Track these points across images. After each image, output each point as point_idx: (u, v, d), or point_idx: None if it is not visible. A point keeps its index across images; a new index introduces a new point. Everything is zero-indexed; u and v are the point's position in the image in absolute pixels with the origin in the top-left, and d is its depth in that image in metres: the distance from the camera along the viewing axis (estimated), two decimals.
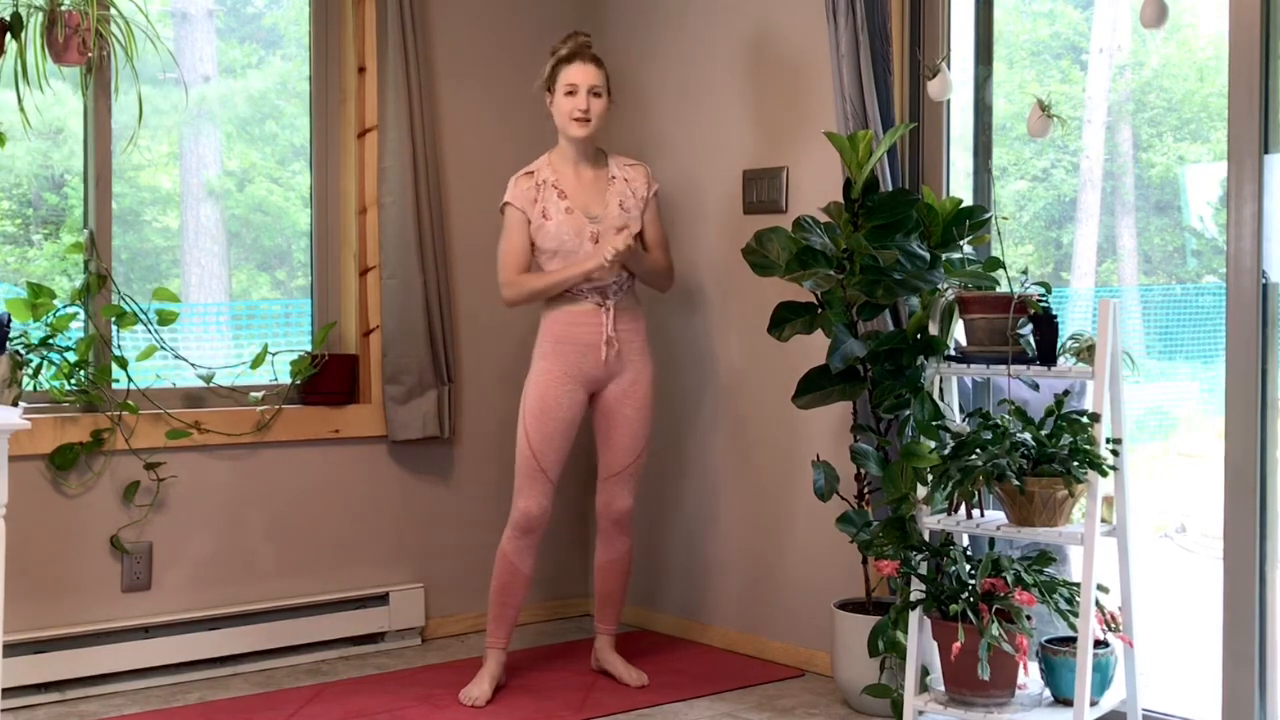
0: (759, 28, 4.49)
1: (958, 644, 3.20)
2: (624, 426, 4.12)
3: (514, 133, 4.84)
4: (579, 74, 4.02)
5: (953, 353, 3.60)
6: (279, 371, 4.47)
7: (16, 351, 3.85)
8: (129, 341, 4.18)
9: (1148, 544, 5.19)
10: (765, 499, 4.51)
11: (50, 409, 4.04)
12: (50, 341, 4.01)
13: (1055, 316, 3.35)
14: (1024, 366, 3.37)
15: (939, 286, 3.63)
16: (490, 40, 4.87)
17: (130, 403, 4.12)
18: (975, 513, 3.43)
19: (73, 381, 4.07)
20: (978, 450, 3.30)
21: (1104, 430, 3.26)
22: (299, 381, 4.49)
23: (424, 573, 4.72)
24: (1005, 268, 3.47)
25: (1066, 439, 3.25)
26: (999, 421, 3.34)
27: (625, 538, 4.21)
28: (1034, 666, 3.41)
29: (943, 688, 3.44)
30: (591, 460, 4.39)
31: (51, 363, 4.02)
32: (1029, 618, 3.29)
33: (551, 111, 4.08)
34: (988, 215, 3.74)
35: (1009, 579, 3.27)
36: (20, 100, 3.67)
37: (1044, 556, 3.40)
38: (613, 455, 4.15)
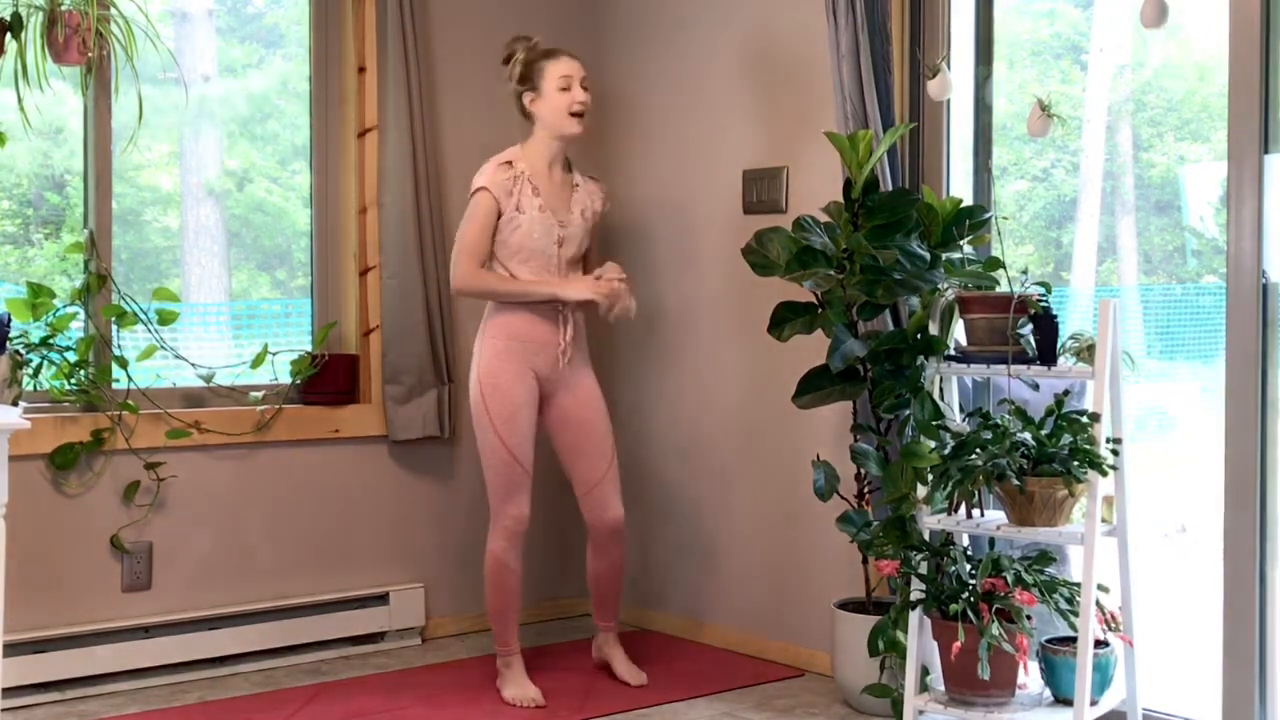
0: (759, 27, 4.49)
1: (958, 644, 3.20)
2: (592, 433, 4.07)
3: (514, 133, 4.83)
4: (571, 66, 3.98)
5: (953, 352, 3.60)
6: (279, 371, 4.47)
7: (17, 351, 3.85)
8: (129, 341, 4.18)
9: (1148, 544, 5.19)
10: (765, 499, 4.51)
11: (50, 409, 4.04)
12: (50, 341, 4.02)
13: (1055, 316, 3.35)
14: (1024, 366, 3.37)
15: (939, 286, 3.63)
16: (490, 40, 4.86)
17: (130, 402, 4.12)
18: (975, 513, 3.43)
19: (73, 381, 4.07)
20: (978, 450, 3.30)
21: (1104, 430, 3.26)
22: (299, 381, 4.49)
23: (424, 573, 4.72)
24: (1005, 267, 3.47)
25: (1066, 439, 3.25)
26: (999, 421, 3.34)
27: (620, 544, 4.17)
28: (1034, 666, 3.41)
29: (943, 687, 3.44)
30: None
31: (51, 362, 4.02)
32: (1029, 617, 3.28)
33: (533, 110, 4.00)
34: (988, 215, 3.74)
35: (1009, 579, 3.27)
36: (20, 100, 3.67)
37: (1044, 556, 3.40)
38: (588, 464, 4.09)
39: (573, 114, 3.98)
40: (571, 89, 3.97)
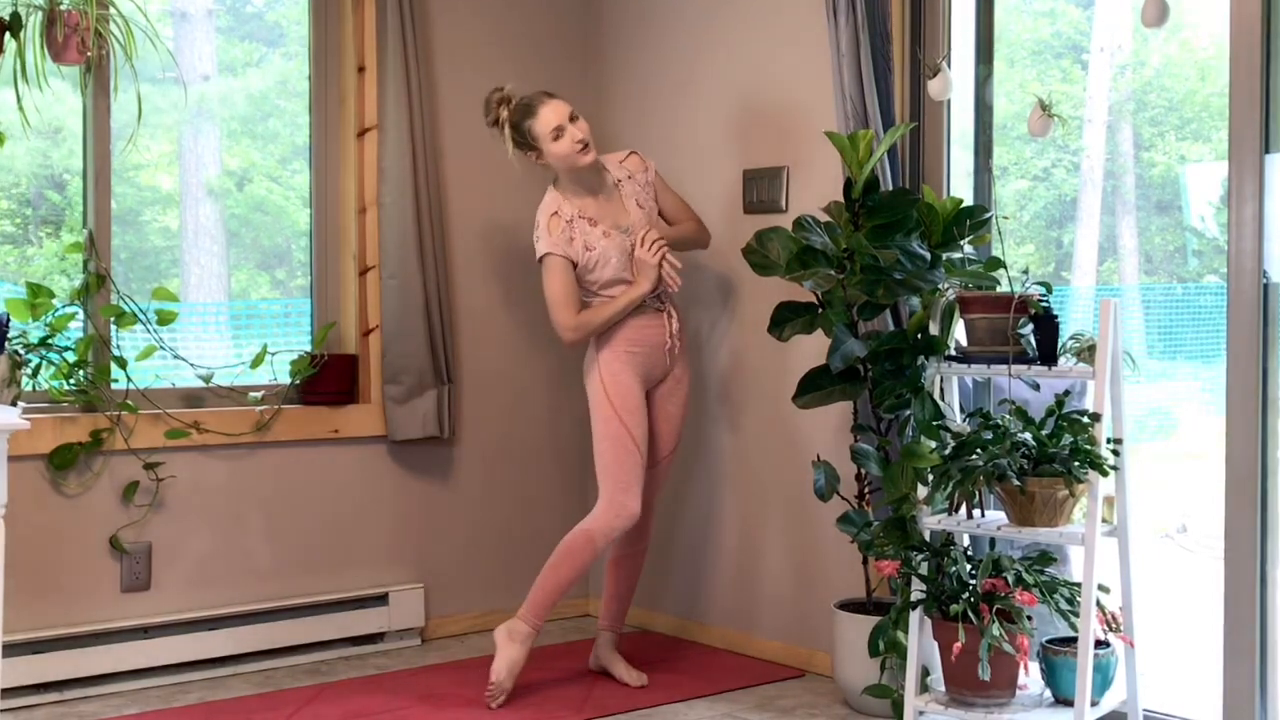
0: (759, 27, 4.49)
1: (958, 644, 3.20)
2: (668, 420, 4.18)
3: None
4: (552, 114, 3.98)
5: (953, 353, 3.59)
6: (278, 371, 4.46)
7: (16, 351, 3.85)
8: (128, 341, 4.18)
9: (1148, 544, 5.19)
10: (765, 499, 4.51)
11: (49, 409, 4.04)
12: (49, 341, 4.01)
13: (1056, 316, 3.34)
14: (1024, 366, 3.36)
15: (939, 286, 3.63)
16: (490, 40, 4.87)
17: (129, 403, 4.12)
18: (976, 513, 3.43)
19: (72, 381, 4.06)
20: (978, 450, 3.30)
21: (1104, 430, 3.26)
22: (298, 381, 4.49)
23: (424, 573, 4.72)
24: (1006, 267, 3.47)
25: (1067, 439, 3.24)
26: (999, 421, 3.34)
27: (646, 532, 4.23)
28: (1034, 667, 3.41)
29: (943, 688, 3.44)
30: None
31: (51, 363, 4.02)
32: (1029, 618, 3.28)
33: (543, 165, 4.06)
34: (988, 215, 3.74)
35: (1009, 579, 3.27)
36: (20, 100, 3.67)
37: (1044, 556, 3.40)
38: (654, 446, 4.16)
39: (579, 151, 3.99)
40: (564, 134, 3.97)
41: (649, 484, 4.17)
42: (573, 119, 3.99)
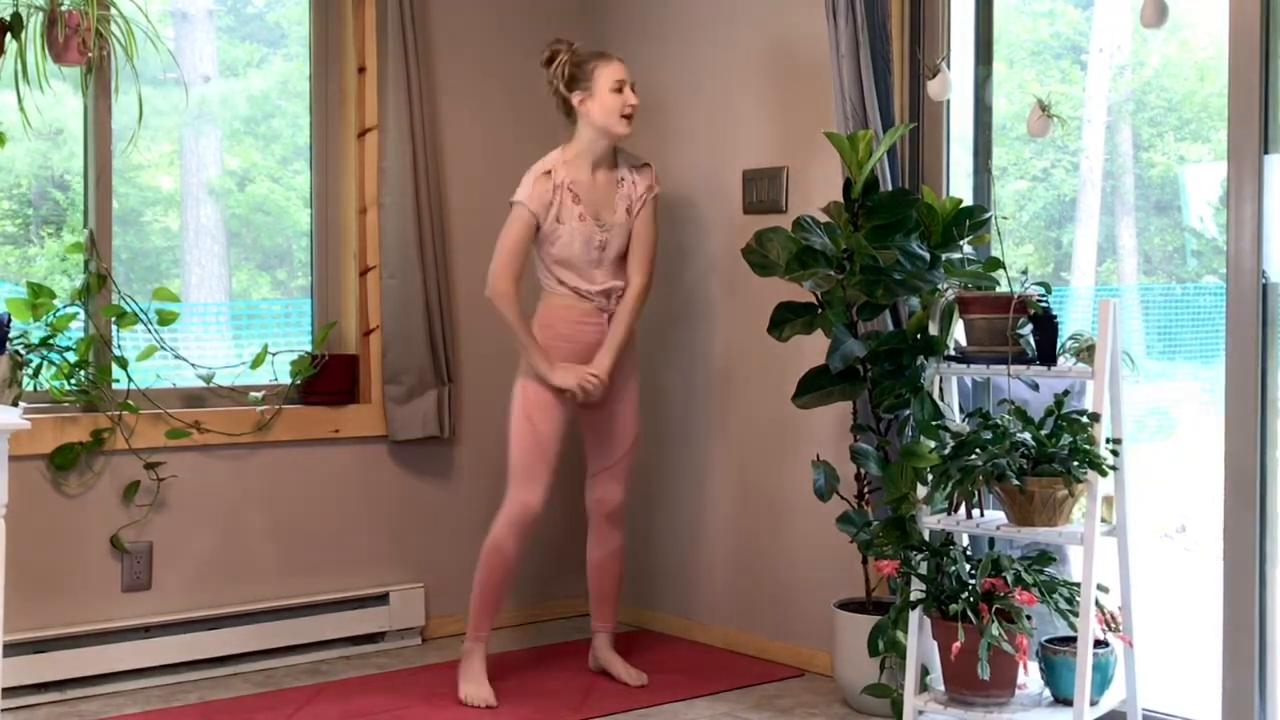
0: (759, 27, 4.49)
1: (958, 644, 3.20)
2: (618, 421, 4.15)
3: (514, 133, 4.84)
4: (623, 70, 4.01)
5: (953, 353, 3.60)
6: (279, 371, 4.47)
7: (17, 351, 3.85)
8: (129, 341, 4.18)
9: (1147, 544, 5.19)
10: (765, 499, 4.51)
11: (50, 409, 4.04)
12: (50, 341, 4.01)
13: (1055, 316, 3.35)
14: (1024, 366, 3.37)
15: (939, 286, 3.63)
16: (491, 40, 4.87)
17: (130, 403, 4.12)
18: (975, 513, 3.43)
19: (73, 381, 4.07)
20: (978, 450, 3.30)
21: (1104, 430, 3.26)
22: (299, 381, 4.49)
23: (424, 573, 4.72)
24: (1005, 268, 3.47)
25: (1066, 439, 3.25)
26: (999, 421, 3.34)
27: (617, 532, 4.22)
28: (1034, 666, 3.41)
29: (943, 687, 3.44)
30: (583, 457, 4.38)
31: (51, 363, 4.02)
32: (1029, 617, 3.28)
33: (582, 110, 4.00)
34: (988, 215, 3.74)
35: (1009, 579, 3.27)
36: (20, 100, 3.67)
37: (1044, 556, 3.40)
38: (606, 449, 4.16)
39: (624, 116, 3.99)
40: (624, 91, 3.99)
41: (610, 484, 4.17)
42: (634, 89, 4.02)
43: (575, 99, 4.01)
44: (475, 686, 4.00)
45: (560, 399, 4.03)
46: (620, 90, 3.98)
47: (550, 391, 4.02)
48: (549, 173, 4.01)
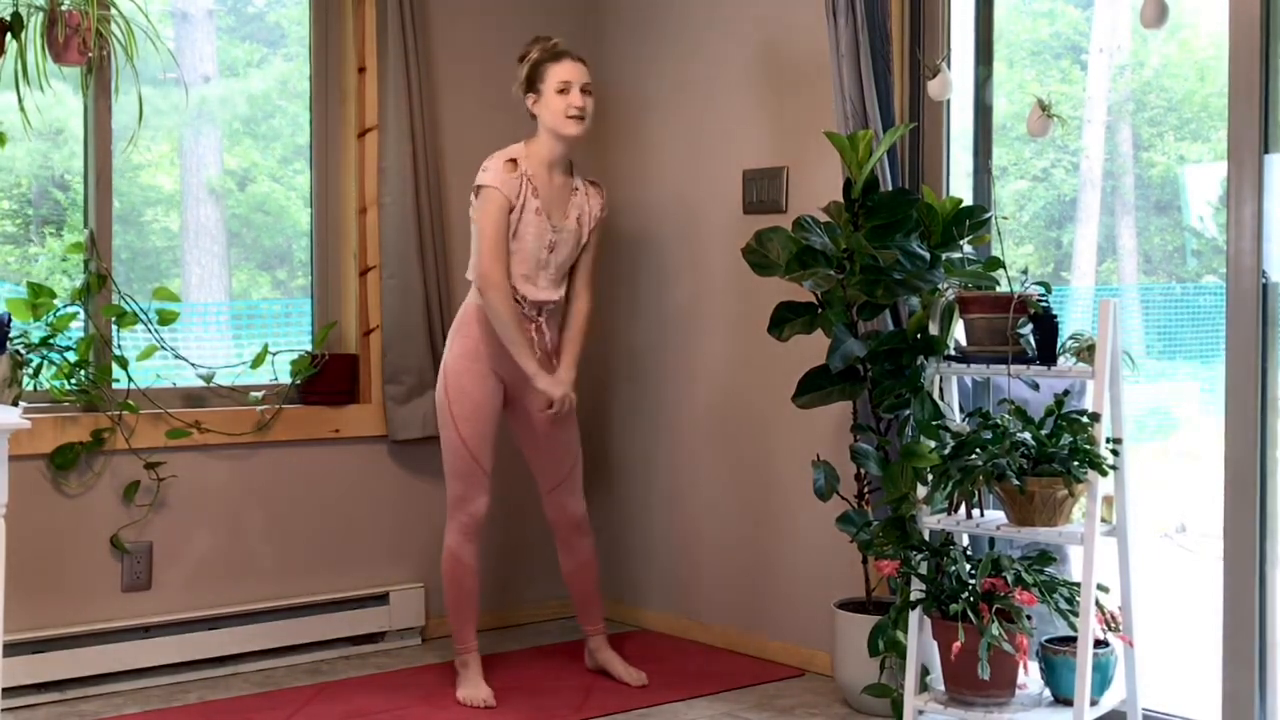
0: (759, 27, 4.49)
1: (958, 644, 3.20)
2: (555, 443, 4.11)
3: (514, 133, 4.83)
4: (571, 71, 3.98)
5: (953, 352, 3.60)
6: (279, 371, 4.47)
7: (17, 351, 3.85)
8: (129, 341, 4.18)
9: (1147, 544, 5.19)
10: (765, 498, 4.51)
11: (50, 409, 4.04)
12: (50, 341, 4.01)
13: (1055, 316, 3.35)
14: (1024, 366, 3.37)
15: (939, 286, 3.63)
16: (490, 40, 4.87)
17: (130, 402, 4.12)
18: (975, 512, 3.43)
19: (73, 381, 4.07)
20: (978, 450, 3.30)
21: (1104, 430, 3.26)
22: (299, 381, 4.49)
23: (424, 573, 4.72)
24: (1005, 267, 3.47)
25: (1066, 439, 3.24)
26: (999, 421, 3.34)
27: (586, 539, 4.22)
28: (1034, 666, 3.41)
29: (943, 687, 3.44)
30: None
31: (52, 362, 4.02)
32: (1029, 617, 3.28)
33: (535, 111, 4.01)
34: (988, 215, 3.74)
35: (1009, 579, 3.27)
36: (20, 100, 3.67)
37: (1044, 556, 3.40)
38: (551, 468, 4.14)
39: (569, 117, 3.97)
40: (569, 92, 3.96)
41: (567, 498, 4.14)
42: (585, 90, 3.99)
43: (529, 100, 4.03)
44: (473, 689, 4.00)
45: (490, 396, 3.99)
46: (565, 91, 3.96)
47: (479, 392, 3.97)
48: (514, 161, 3.98)
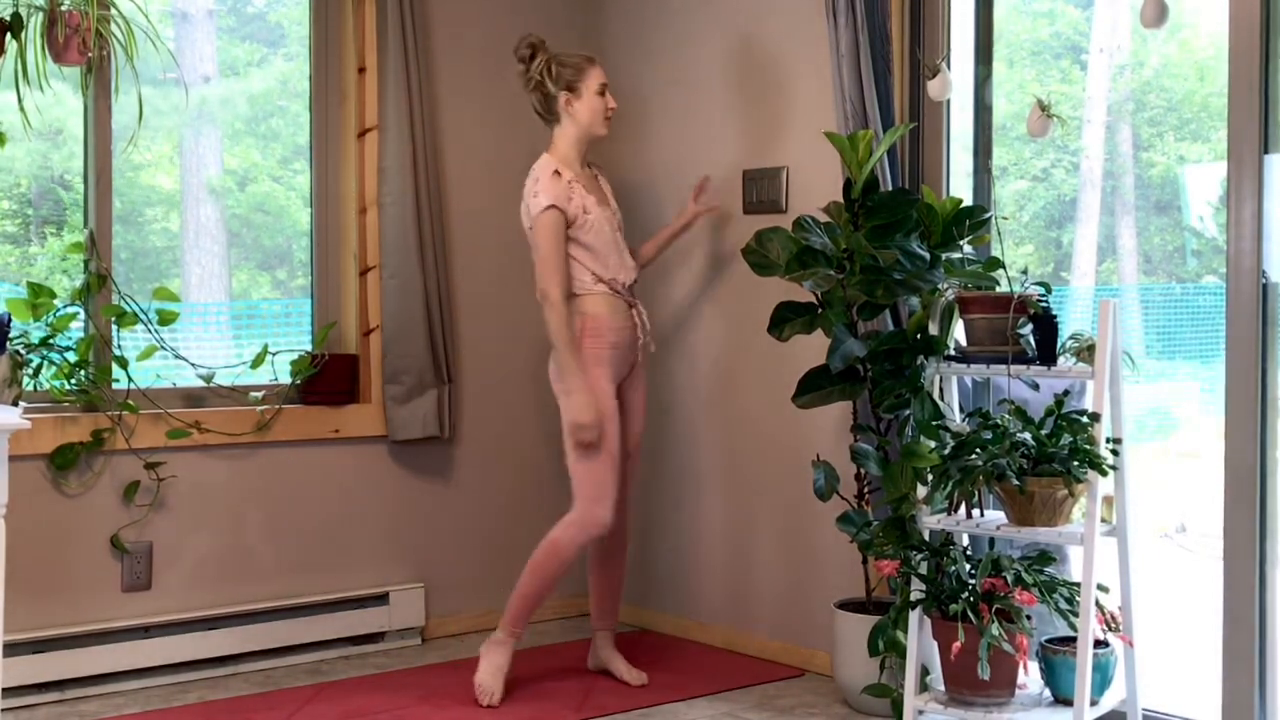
0: (759, 27, 4.49)
1: (958, 644, 3.20)
2: (635, 411, 4.19)
3: (514, 133, 4.84)
4: (604, 74, 4.11)
5: (953, 353, 3.60)
6: (279, 371, 4.47)
7: (17, 351, 3.85)
8: (129, 341, 4.18)
9: (1147, 544, 5.20)
10: (765, 498, 4.51)
11: (50, 409, 4.04)
12: (50, 341, 4.01)
13: (1055, 316, 3.35)
14: (1024, 366, 3.37)
15: (939, 286, 3.64)
16: (490, 40, 4.87)
17: (130, 402, 4.12)
18: (975, 513, 3.43)
19: (73, 381, 4.07)
20: (978, 450, 3.30)
21: (1104, 430, 3.26)
22: (299, 381, 4.49)
23: (424, 573, 4.72)
24: (1005, 267, 3.47)
25: (1066, 439, 3.25)
26: (999, 421, 3.34)
27: (623, 529, 4.22)
28: (1034, 666, 3.41)
29: (943, 687, 3.44)
30: None
31: (52, 363, 4.02)
32: (1029, 617, 3.29)
33: (568, 111, 4.06)
34: (988, 215, 3.74)
35: (1009, 579, 3.27)
36: (20, 100, 3.67)
37: (1044, 556, 3.40)
38: (625, 438, 4.16)
39: (606, 118, 4.10)
40: (606, 95, 4.09)
41: (622, 480, 4.16)
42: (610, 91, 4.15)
43: (563, 99, 4.06)
44: (492, 679, 3.98)
45: (613, 404, 4.02)
46: (603, 93, 4.09)
47: (610, 390, 4.01)
48: (558, 172, 4.04)
